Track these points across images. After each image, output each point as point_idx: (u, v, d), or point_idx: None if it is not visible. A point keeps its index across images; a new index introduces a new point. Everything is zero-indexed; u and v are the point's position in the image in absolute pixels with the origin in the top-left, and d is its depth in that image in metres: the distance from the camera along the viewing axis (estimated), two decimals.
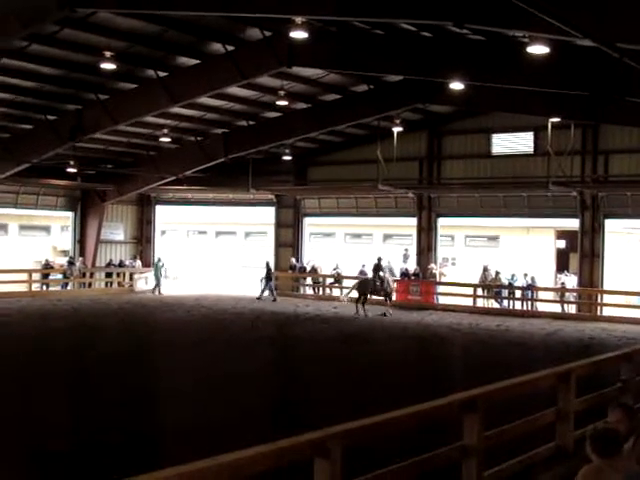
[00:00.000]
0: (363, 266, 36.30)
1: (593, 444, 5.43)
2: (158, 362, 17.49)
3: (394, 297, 33.57)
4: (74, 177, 35.74)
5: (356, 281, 31.32)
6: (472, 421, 7.85)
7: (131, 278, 39.22)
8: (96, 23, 20.25)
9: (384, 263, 31.32)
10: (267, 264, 36.01)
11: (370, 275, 31.57)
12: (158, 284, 37.46)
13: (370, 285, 30.19)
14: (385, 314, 29.27)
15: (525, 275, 31.86)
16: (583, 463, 5.63)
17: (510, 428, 8.98)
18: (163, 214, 42.19)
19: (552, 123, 28.52)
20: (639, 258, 33.46)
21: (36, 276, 36.44)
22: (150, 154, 35.55)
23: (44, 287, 36.76)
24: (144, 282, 38.43)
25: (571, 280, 32.51)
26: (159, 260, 37.88)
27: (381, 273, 30.43)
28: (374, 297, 30.69)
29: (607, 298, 30.61)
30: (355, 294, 30.67)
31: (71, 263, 37.09)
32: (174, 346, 20.19)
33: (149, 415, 12.20)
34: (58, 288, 36.85)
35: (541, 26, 11.90)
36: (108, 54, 21.64)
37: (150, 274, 38.40)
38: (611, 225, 31.89)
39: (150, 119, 29.36)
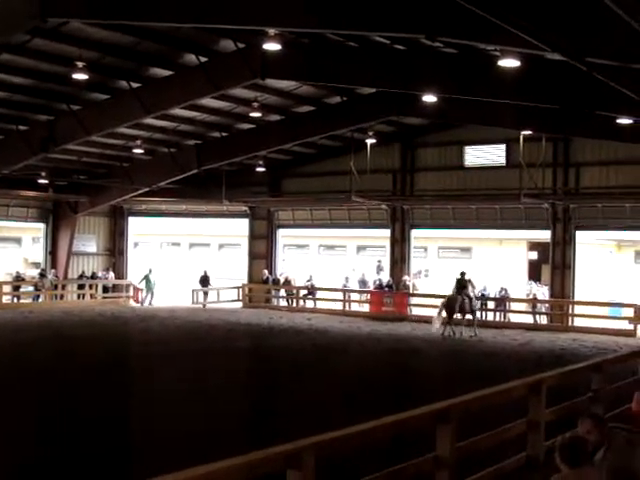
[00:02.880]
0: (349, 278, 36.68)
1: (562, 454, 5.47)
2: (134, 374, 17.37)
3: (368, 308, 33.90)
4: (46, 188, 35.54)
5: (443, 300, 28.05)
6: (445, 432, 7.87)
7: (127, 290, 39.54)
8: (68, 33, 20.17)
9: (467, 277, 28.48)
10: (150, 271, 37.48)
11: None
12: (151, 295, 37.88)
13: (458, 303, 27.31)
14: (474, 334, 27.07)
15: (501, 289, 31.99)
16: (553, 473, 5.67)
17: (482, 439, 9.01)
18: (136, 226, 41.99)
19: (524, 136, 28.75)
20: (610, 269, 33.78)
21: (7, 288, 36.16)
22: (123, 165, 35.36)
23: (15, 299, 36.45)
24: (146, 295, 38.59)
25: (542, 291, 32.74)
26: (150, 271, 37.92)
27: (466, 290, 27.77)
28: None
29: (578, 309, 30.82)
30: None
31: (42, 275, 36.81)
32: (149, 358, 20.06)
33: (124, 428, 12.11)
34: (29, 300, 36.57)
35: (512, 40, 12.01)
36: (80, 64, 21.47)
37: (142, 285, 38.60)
38: (583, 237, 32.16)
39: (123, 130, 29.23)
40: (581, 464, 5.43)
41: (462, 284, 27.97)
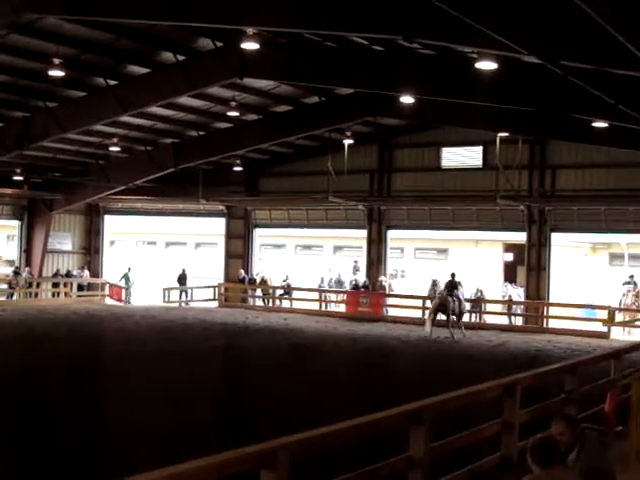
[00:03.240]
0: (325, 278, 36.69)
1: (533, 454, 5.50)
2: (107, 374, 17.29)
3: (344, 308, 33.99)
4: (21, 185, 35.28)
5: (435, 301, 27.58)
6: (418, 432, 7.87)
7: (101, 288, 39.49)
8: (44, 29, 20.03)
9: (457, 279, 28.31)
10: (129, 269, 38.36)
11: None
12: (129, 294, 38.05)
13: (450, 304, 26.90)
14: (453, 336, 26.55)
15: (477, 291, 32.04)
16: (527, 473, 5.70)
17: (456, 439, 9.03)
18: (112, 224, 41.83)
19: (500, 138, 28.83)
20: (584, 271, 34.01)
21: None
22: (99, 163, 35.21)
23: None
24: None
25: (518, 292, 32.89)
26: (129, 270, 38.12)
27: (456, 291, 27.50)
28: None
29: (553, 310, 30.99)
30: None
31: (17, 273, 36.55)
32: (123, 357, 19.96)
33: (95, 428, 12.05)
34: (3, 298, 36.30)
35: (489, 42, 12.05)
36: (57, 61, 21.37)
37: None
38: (558, 239, 32.36)
39: (100, 128, 29.08)
40: (552, 464, 5.46)
41: (454, 285, 27.87)
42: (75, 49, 21.82)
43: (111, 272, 40.15)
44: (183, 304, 37.00)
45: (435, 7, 9.31)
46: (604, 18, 8.47)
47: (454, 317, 27.40)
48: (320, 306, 35.22)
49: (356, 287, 34.97)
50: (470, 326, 30.15)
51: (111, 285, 39.12)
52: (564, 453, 6.11)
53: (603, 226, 30.87)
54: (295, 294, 36.47)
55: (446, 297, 27.36)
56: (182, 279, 38.21)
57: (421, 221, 34.61)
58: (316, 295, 35.86)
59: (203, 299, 37.51)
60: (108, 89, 24.29)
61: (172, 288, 37.41)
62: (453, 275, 28.31)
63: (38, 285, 37.91)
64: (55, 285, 38.57)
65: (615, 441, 9.92)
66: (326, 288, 36.63)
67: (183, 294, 38.11)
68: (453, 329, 26.95)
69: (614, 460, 6.89)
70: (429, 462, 7.94)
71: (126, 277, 38.10)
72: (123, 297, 38.07)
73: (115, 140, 31.85)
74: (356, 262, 37.14)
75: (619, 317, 29.95)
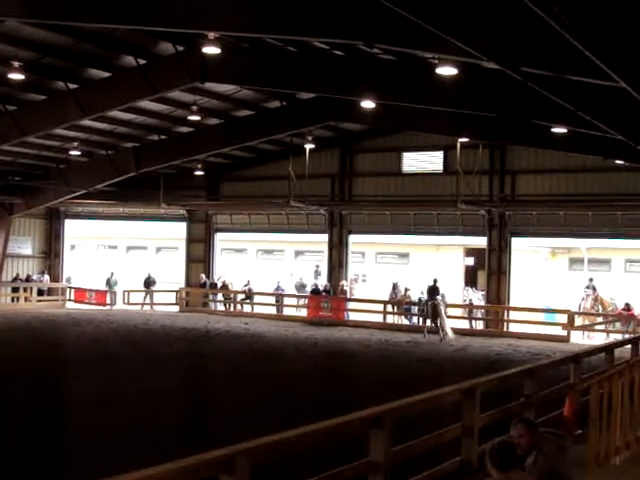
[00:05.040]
0: (281, 281, 36.63)
1: (492, 459, 5.53)
2: (66, 379, 17.15)
3: (306, 313, 34.00)
4: None
5: (430, 307, 28.27)
6: (379, 437, 7.91)
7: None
8: (3, 32, 19.79)
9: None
10: (112, 274, 38.66)
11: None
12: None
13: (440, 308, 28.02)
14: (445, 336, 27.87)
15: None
16: (486, 477, 5.74)
17: (417, 443, 9.08)
18: (72, 228, 41.55)
19: (461, 143, 29.06)
20: (544, 275, 34.31)
21: None
22: (60, 167, 34.89)
23: None
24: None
25: (478, 296, 33.10)
26: (112, 274, 38.12)
27: (437, 296, 28.46)
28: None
29: (513, 315, 31.23)
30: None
31: None
32: (83, 363, 19.80)
33: (51, 432, 11.94)
34: None
35: (449, 48, 12.14)
36: (16, 64, 21.15)
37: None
38: (518, 243, 32.63)
39: (60, 131, 28.81)
40: (511, 468, 5.50)
41: (436, 290, 28.49)
42: (35, 52, 21.58)
43: (72, 276, 39.96)
44: (144, 308, 36.84)
45: (396, 13, 9.33)
46: (561, 25, 8.56)
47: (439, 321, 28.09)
48: (281, 310, 35.17)
49: (316, 291, 34.95)
50: (430, 330, 30.32)
51: (78, 289, 38.80)
52: (522, 457, 6.16)
53: (563, 231, 31.21)
54: (256, 299, 36.41)
55: (439, 302, 28.05)
56: (148, 283, 38.22)
57: (382, 225, 34.71)
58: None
59: (164, 303, 37.36)
60: (68, 93, 24.06)
61: (132, 290, 37.29)
62: (435, 281, 28.77)
63: None
64: (15, 290, 38.21)
65: (574, 445, 10.03)
66: (285, 292, 36.56)
67: (147, 297, 38.03)
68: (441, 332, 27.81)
69: (572, 464, 6.94)
70: (390, 466, 7.98)
71: (109, 282, 38.13)
72: (108, 301, 37.76)
73: (76, 144, 31.58)
74: (317, 267, 37.15)
75: (579, 321, 30.26)
